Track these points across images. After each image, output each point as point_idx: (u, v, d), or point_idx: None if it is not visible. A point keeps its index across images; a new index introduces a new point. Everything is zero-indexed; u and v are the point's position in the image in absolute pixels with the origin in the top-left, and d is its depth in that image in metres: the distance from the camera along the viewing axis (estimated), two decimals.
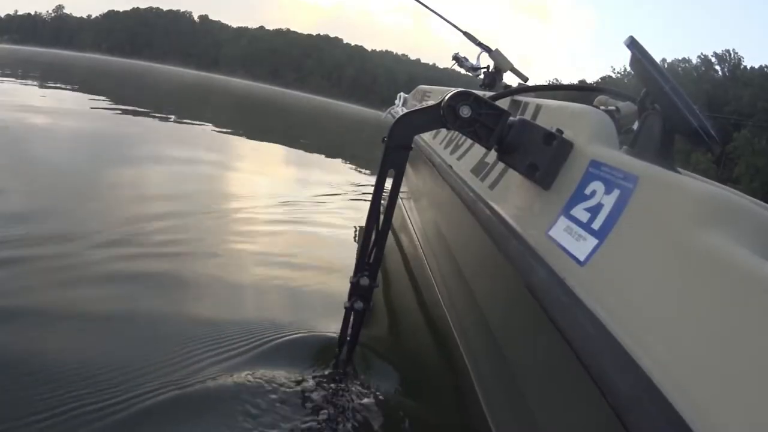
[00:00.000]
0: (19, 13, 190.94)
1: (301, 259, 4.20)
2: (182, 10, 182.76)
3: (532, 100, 1.97)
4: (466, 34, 4.32)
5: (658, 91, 1.52)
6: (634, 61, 1.60)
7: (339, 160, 12.55)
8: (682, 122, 1.47)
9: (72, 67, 33.78)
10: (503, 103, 2.16)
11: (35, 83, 16.28)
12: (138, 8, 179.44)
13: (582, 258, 1.22)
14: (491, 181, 1.95)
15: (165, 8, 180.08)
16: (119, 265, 3.29)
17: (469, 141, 2.27)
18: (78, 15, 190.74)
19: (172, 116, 14.21)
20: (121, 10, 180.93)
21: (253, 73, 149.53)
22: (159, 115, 13.32)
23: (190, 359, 2.38)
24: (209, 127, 13.28)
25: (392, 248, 4.49)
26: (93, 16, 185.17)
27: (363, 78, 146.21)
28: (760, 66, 77.47)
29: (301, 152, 12.78)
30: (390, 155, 1.85)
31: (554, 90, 2.25)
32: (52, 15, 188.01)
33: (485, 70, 4.15)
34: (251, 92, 57.59)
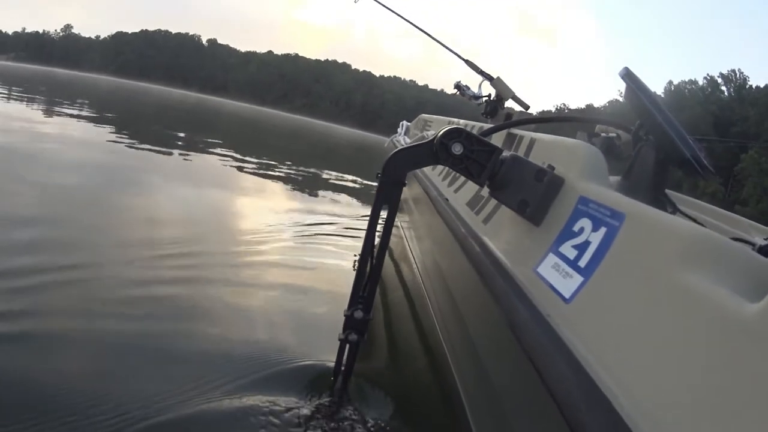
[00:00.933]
0: (27, 30, 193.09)
1: (305, 286, 4.27)
2: (191, 33, 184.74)
3: (527, 134, 2.00)
4: (467, 62, 4.36)
5: (652, 123, 1.55)
6: (628, 92, 1.63)
7: (347, 183, 12.67)
8: (675, 153, 1.49)
9: (88, 90, 34.16)
10: (498, 139, 2.19)
11: (53, 106, 16.52)
12: (146, 30, 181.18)
13: (567, 296, 1.23)
14: (485, 216, 1.98)
15: (174, 31, 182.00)
16: (134, 292, 3.42)
17: None
18: (86, 35, 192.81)
19: (184, 145, 14.32)
20: (129, 32, 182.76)
21: (262, 98, 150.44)
22: (174, 138, 13.46)
23: (194, 383, 2.47)
24: (218, 154, 13.35)
25: (392, 277, 4.51)
26: (101, 37, 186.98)
27: (372, 103, 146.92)
28: (766, 85, 77.83)
29: (307, 177, 12.91)
30: (384, 191, 1.88)
31: (550, 121, 2.26)
32: (61, 34, 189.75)
33: (487, 98, 4.18)
34: (261, 118, 57.92)
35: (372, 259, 2.05)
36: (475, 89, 4.20)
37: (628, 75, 1.62)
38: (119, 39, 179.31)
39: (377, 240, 2.13)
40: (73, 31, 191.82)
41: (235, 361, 2.74)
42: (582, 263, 1.24)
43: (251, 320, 3.45)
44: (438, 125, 3.63)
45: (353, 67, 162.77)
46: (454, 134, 1.63)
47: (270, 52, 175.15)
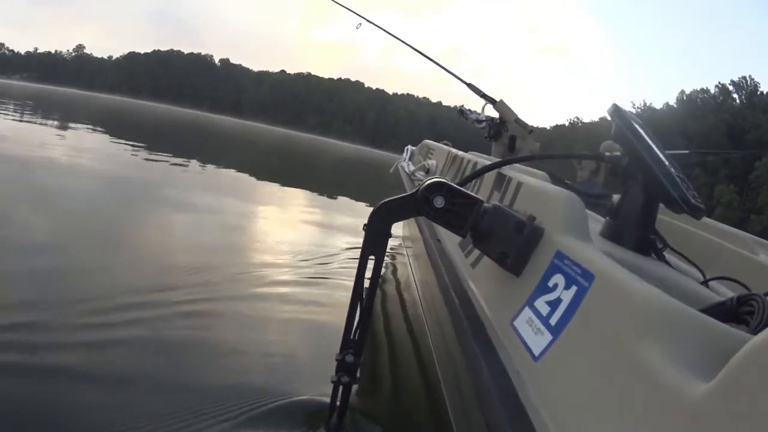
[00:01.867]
0: (40, 51, 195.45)
1: (309, 317, 4.27)
2: (203, 53, 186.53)
3: (516, 176, 2.00)
4: (470, 86, 4.41)
5: (639, 161, 1.55)
6: (616, 130, 1.63)
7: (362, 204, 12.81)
8: (662, 192, 1.49)
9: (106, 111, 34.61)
10: (489, 177, 2.19)
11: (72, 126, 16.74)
12: (159, 50, 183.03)
13: (537, 353, 1.23)
14: (473, 259, 1.99)
15: (186, 51, 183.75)
16: (136, 329, 3.41)
17: None
18: (99, 55, 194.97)
19: (204, 164, 14.45)
20: (141, 52, 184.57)
21: (276, 117, 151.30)
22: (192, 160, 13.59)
23: (193, 418, 2.52)
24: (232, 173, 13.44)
25: (395, 303, 4.51)
26: (114, 57, 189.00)
27: (385, 122, 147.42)
28: None
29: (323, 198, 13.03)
30: (370, 242, 1.91)
31: (542, 159, 2.26)
32: (73, 54, 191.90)
33: (489, 121, 4.22)
34: (282, 140, 58.20)
35: (361, 306, 2.08)
36: (478, 112, 4.25)
37: (615, 112, 1.63)
38: (132, 59, 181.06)
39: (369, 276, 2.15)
40: (85, 51, 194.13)
41: (236, 395, 2.78)
42: (552, 321, 1.24)
43: (252, 354, 3.45)
44: (439, 154, 3.64)
45: (366, 86, 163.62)
46: (436, 188, 1.66)
47: (283, 71, 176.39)
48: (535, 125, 4.25)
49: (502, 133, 4.22)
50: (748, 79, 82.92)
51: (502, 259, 1.52)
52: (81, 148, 13.16)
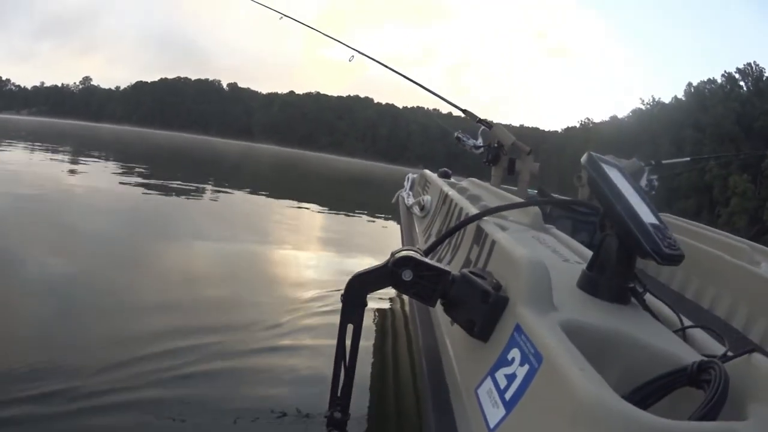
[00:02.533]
0: (46, 84, 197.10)
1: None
2: (211, 78, 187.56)
3: (492, 232, 2.01)
4: (465, 111, 4.48)
5: (612, 212, 1.58)
6: (589, 179, 1.66)
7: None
8: (635, 244, 1.53)
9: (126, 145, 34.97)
10: (471, 228, 2.23)
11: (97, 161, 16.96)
12: (166, 78, 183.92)
13: (492, 426, 1.26)
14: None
15: (193, 77, 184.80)
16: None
17: (453, 262, 2.34)
18: (106, 86, 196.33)
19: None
20: (149, 81, 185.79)
21: (287, 139, 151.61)
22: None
23: None
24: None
25: (387, 353, 4.52)
26: (122, 88, 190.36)
27: (397, 136, 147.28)
28: None
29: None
30: (347, 312, 1.98)
31: (523, 206, 2.28)
32: (80, 87, 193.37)
33: (486, 147, 4.28)
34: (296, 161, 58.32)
35: (345, 366, 2.15)
36: (474, 139, 4.30)
37: (589, 162, 1.65)
38: (139, 89, 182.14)
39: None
40: (92, 83, 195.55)
41: None
42: (507, 396, 1.26)
43: (265, 403, 3.45)
44: (434, 190, 3.66)
45: (375, 101, 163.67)
46: (404, 262, 1.71)
47: (291, 92, 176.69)
48: (546, 129, 4.31)
49: (501, 157, 4.27)
50: (753, 65, 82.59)
51: (469, 327, 1.55)
52: (94, 182, 13.43)
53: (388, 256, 1.78)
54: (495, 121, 4.37)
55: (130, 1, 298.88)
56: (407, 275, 1.70)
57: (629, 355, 1.29)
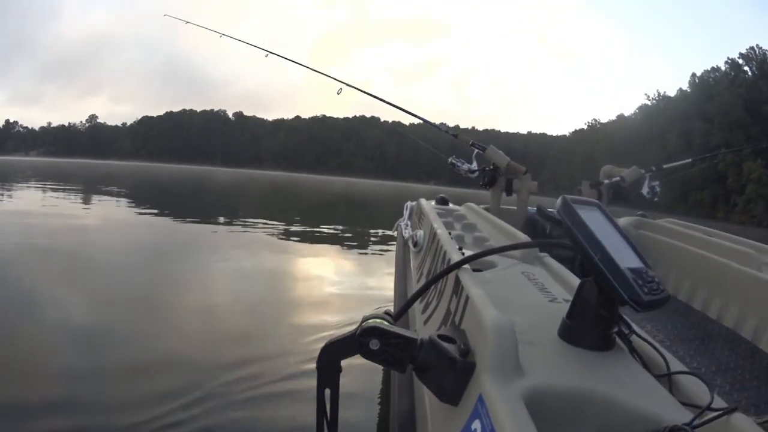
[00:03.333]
0: (53, 125, 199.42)
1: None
2: (216, 109, 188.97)
3: (468, 285, 1.92)
4: (456, 136, 4.46)
5: (588, 260, 1.54)
6: (565, 227, 1.61)
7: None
8: (613, 292, 1.48)
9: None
10: (452, 276, 2.19)
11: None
12: (171, 111, 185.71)
13: None
14: None
15: (198, 109, 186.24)
16: None
17: (436, 311, 2.30)
18: (112, 123, 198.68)
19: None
20: (155, 115, 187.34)
21: (296, 164, 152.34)
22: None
23: None
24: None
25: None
26: (128, 124, 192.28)
27: (406, 153, 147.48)
28: None
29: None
30: (322, 379, 1.96)
31: (502, 251, 2.22)
32: (87, 125, 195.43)
33: (481, 170, 4.25)
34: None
35: (327, 422, 2.14)
36: (469, 163, 4.26)
37: (563, 207, 1.60)
38: (145, 124, 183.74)
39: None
40: (98, 120, 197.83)
41: None
42: None
43: None
44: (427, 223, 3.62)
45: (382, 120, 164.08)
46: (369, 333, 1.69)
47: (297, 117, 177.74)
48: (554, 134, 4.29)
49: (497, 179, 4.25)
50: (756, 49, 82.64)
51: (439, 392, 1.53)
52: (114, 218, 13.70)
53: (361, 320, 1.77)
54: (490, 144, 4.32)
55: (132, 39, 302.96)
56: (374, 344, 1.67)
57: (605, 414, 1.25)
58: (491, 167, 4.28)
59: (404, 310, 2.20)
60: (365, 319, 1.76)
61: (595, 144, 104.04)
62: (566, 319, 1.58)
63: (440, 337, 1.62)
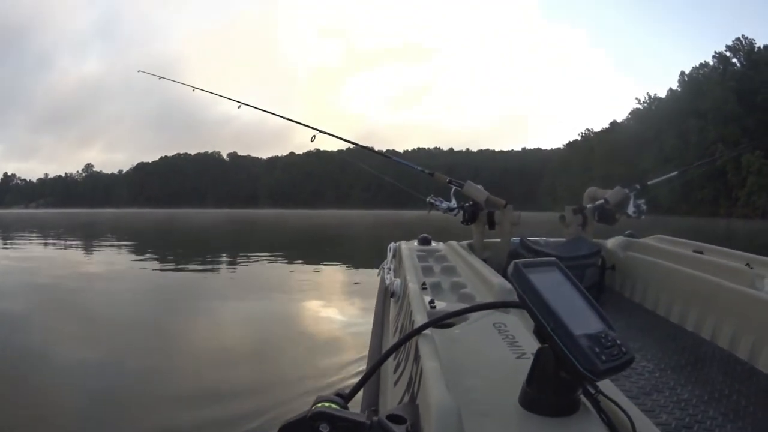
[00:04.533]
0: (51, 176, 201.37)
1: None
2: (210, 151, 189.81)
3: (425, 353, 1.83)
4: (432, 175, 4.43)
5: (542, 329, 1.47)
6: (518, 294, 1.53)
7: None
8: (569, 364, 1.42)
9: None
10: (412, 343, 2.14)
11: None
12: (166, 156, 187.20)
13: None
14: None
15: (193, 152, 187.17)
16: None
17: (403, 375, 2.25)
18: (108, 171, 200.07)
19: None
20: (150, 161, 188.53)
21: (293, 200, 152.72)
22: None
23: None
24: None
25: None
26: (124, 171, 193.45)
27: (402, 180, 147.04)
28: None
29: None
30: None
31: (466, 312, 2.16)
32: (83, 174, 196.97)
33: (460, 207, 4.21)
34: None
35: None
36: (448, 201, 4.22)
37: (514, 274, 1.53)
38: (141, 170, 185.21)
39: None
40: (94, 169, 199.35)
41: None
42: None
43: None
44: (401, 273, 3.55)
45: (377, 149, 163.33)
46: (319, 417, 1.67)
47: (292, 153, 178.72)
48: (549, 148, 4.24)
49: (478, 214, 4.21)
50: (742, 39, 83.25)
51: None
52: (112, 268, 13.59)
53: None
54: (467, 180, 4.27)
55: (123, 87, 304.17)
56: (324, 428, 1.65)
57: None
58: (470, 203, 4.24)
59: (356, 391, 2.15)
60: (317, 401, 1.72)
61: (590, 152, 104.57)
62: (525, 385, 1.52)
63: (390, 417, 1.57)
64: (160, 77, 6.27)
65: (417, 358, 1.94)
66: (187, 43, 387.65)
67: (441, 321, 2.14)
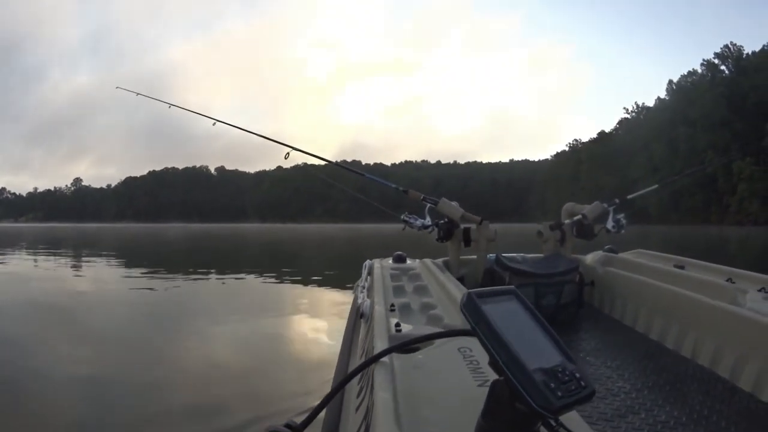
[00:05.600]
0: (39, 190, 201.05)
1: None
2: (198, 165, 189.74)
3: (377, 388, 1.78)
4: (406, 192, 4.39)
5: (494, 364, 1.40)
6: (471, 326, 1.44)
7: None
8: (522, 397, 1.35)
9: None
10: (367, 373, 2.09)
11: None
12: (154, 170, 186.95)
13: None
14: None
15: (181, 167, 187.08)
16: None
17: (363, 401, 2.19)
18: (97, 185, 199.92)
19: None
20: (138, 175, 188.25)
21: (281, 214, 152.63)
22: None
23: None
24: None
25: None
26: (113, 185, 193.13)
27: (390, 193, 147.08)
28: (762, 47, 78.41)
29: None
30: None
31: (428, 339, 2.09)
32: (72, 189, 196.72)
33: (434, 225, 4.16)
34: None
35: None
36: (423, 219, 4.17)
37: (466, 306, 1.44)
38: (129, 184, 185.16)
39: None
40: (83, 183, 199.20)
41: None
42: None
43: None
44: (371, 293, 3.46)
45: (364, 163, 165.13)
46: None
47: (279, 167, 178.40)
48: (537, 159, 4.22)
49: (454, 231, 4.16)
50: (731, 46, 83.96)
51: None
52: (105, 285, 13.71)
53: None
54: (441, 197, 4.22)
55: (113, 102, 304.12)
56: None
57: None
58: (445, 220, 4.19)
59: (309, 421, 2.09)
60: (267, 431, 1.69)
61: (578, 164, 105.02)
62: (480, 419, 1.46)
63: None
64: (138, 93, 6.20)
65: (371, 387, 1.87)
66: (177, 57, 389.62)
67: (402, 348, 2.07)
